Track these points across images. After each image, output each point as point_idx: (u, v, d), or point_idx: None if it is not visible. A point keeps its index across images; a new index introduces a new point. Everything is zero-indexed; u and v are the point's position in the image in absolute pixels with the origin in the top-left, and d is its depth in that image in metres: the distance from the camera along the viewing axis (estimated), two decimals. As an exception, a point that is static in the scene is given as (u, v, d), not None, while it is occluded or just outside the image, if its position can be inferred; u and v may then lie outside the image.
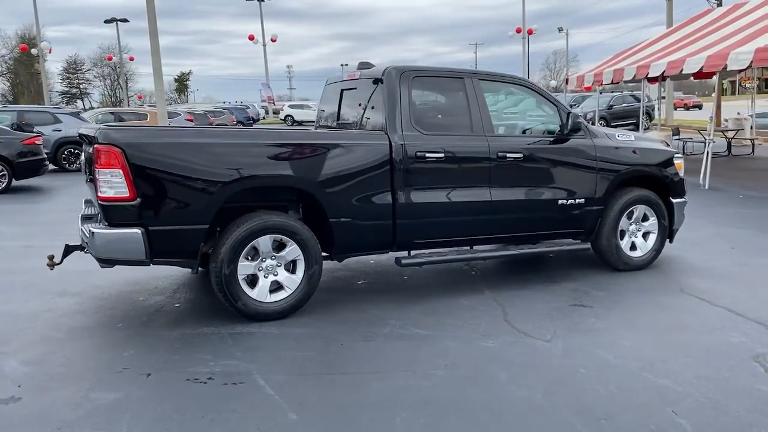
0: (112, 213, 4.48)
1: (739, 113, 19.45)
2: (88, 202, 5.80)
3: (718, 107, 18.35)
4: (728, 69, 11.33)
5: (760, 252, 6.90)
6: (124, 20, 52.42)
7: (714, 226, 8.18)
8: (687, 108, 51.05)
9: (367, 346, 4.41)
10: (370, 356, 4.24)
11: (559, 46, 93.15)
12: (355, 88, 5.84)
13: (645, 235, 6.31)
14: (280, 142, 4.93)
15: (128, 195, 4.42)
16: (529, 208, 5.73)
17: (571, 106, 33.48)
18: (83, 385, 3.80)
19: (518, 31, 42.48)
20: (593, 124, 24.58)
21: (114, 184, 4.42)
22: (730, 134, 16.79)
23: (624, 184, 6.16)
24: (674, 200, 6.39)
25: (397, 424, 3.34)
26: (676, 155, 6.50)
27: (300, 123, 40.66)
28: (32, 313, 5.16)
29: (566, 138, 5.83)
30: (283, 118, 45.35)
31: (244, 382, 3.83)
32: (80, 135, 5.32)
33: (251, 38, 46.61)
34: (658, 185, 6.33)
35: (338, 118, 6.12)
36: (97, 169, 4.44)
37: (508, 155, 5.54)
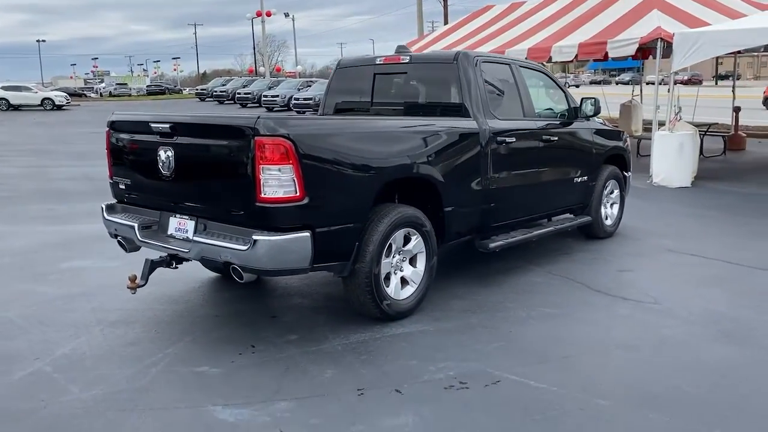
0: (278, 216, 3.84)
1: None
2: (116, 208, 4.78)
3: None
4: (553, 60, 13.06)
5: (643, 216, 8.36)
6: None
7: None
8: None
9: (524, 329, 4.47)
10: (545, 335, 4.34)
11: (269, 31, 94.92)
12: (405, 73, 5.66)
13: (612, 206, 7.23)
14: (417, 131, 4.68)
15: (298, 194, 3.83)
16: (558, 186, 6.21)
17: (269, 88, 35.40)
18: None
19: (258, 14, 42.28)
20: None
21: (284, 182, 3.79)
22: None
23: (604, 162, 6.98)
24: (627, 174, 7.42)
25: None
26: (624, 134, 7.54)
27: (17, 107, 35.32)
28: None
29: (572, 121, 6.42)
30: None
31: (500, 380, 3.68)
32: (140, 122, 4.35)
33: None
34: (619, 161, 7.28)
35: (372, 103, 5.86)
36: (262, 166, 3.76)
37: (551, 138, 5.94)
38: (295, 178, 3.80)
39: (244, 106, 36.99)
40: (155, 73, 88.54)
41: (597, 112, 6.31)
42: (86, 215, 8.46)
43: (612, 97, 18.63)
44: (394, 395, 3.50)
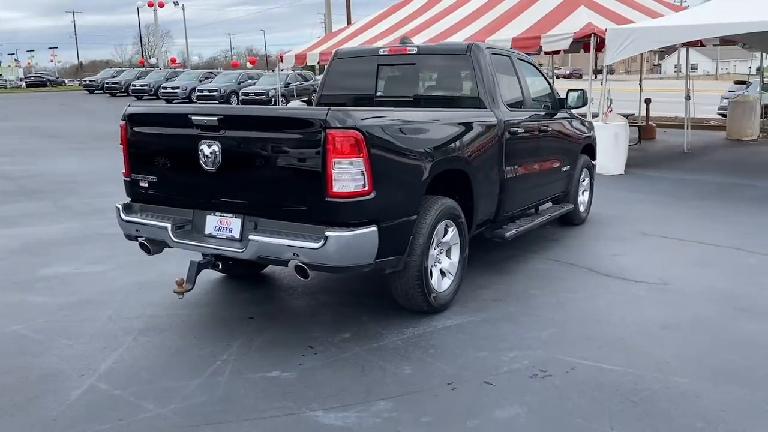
0: (349, 211, 3.72)
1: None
2: (133, 208, 4.46)
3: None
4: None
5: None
6: None
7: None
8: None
9: (564, 314, 4.59)
10: (586, 319, 4.48)
11: (150, 20, 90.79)
12: (413, 64, 5.62)
13: (584, 193, 7.55)
14: (459, 123, 4.68)
15: (367, 188, 3.72)
16: (552, 175, 6.41)
17: (167, 80, 34.15)
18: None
19: (150, 4, 40.41)
20: (276, 101, 25.87)
21: (355, 176, 3.67)
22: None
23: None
24: (594, 162, 7.77)
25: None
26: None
27: None
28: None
29: (556, 112, 6.63)
30: None
31: (575, 366, 3.76)
32: (185, 115, 4.06)
33: None
34: (590, 151, 7.60)
35: (376, 95, 5.78)
36: (333, 160, 3.62)
37: (546, 128, 6.12)
38: (365, 172, 3.70)
39: (140, 98, 35.20)
40: (29, 63, 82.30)
41: (584, 104, 6.56)
42: (31, 217, 7.82)
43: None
44: (487, 387, 3.49)
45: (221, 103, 30.14)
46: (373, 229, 3.78)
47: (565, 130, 6.67)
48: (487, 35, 13.25)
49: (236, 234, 4.06)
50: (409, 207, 4.13)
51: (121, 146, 4.48)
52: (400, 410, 3.26)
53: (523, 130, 5.62)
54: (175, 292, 4.06)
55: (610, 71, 20.66)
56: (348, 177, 3.65)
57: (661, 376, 3.61)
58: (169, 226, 4.16)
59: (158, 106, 4.78)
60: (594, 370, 3.70)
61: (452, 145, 4.53)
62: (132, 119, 4.41)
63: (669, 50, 54.67)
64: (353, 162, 3.65)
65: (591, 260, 5.93)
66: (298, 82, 28.53)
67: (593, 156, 7.65)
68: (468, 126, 4.78)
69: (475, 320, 4.47)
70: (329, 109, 3.65)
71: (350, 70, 5.96)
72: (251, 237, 3.86)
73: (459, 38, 13.62)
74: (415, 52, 5.59)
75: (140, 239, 4.36)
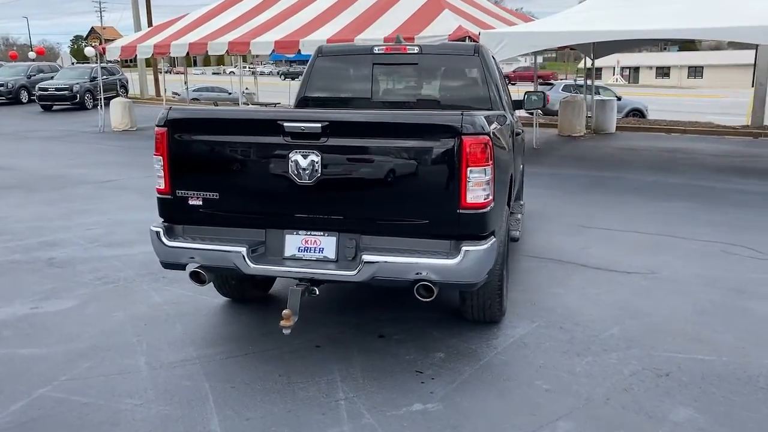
0: (480, 223, 3.48)
1: (247, 88, 21.48)
2: (176, 231, 3.78)
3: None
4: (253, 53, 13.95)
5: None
6: None
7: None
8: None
9: (602, 311, 4.77)
10: (625, 312, 4.71)
11: None
12: (416, 64, 5.39)
13: (517, 191, 7.88)
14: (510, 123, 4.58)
15: (491, 198, 3.51)
16: (520, 174, 6.58)
17: None
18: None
19: None
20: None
21: (485, 185, 3.45)
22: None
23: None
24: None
25: None
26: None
27: None
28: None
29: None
30: None
31: (679, 363, 3.91)
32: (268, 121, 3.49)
33: None
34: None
35: (372, 97, 5.45)
36: (469, 169, 3.35)
37: (521, 129, 6.27)
38: (491, 181, 3.49)
39: None
40: None
41: (544, 105, 6.81)
42: None
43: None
44: (627, 394, 3.49)
45: (9, 99, 26.29)
46: (494, 240, 3.58)
47: (522, 130, 6.89)
48: (354, 34, 13.18)
49: (330, 254, 3.60)
50: (503, 214, 3.98)
51: (159, 157, 3.72)
52: (585, 428, 3.14)
53: (518, 131, 5.70)
54: (282, 326, 3.47)
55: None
56: (479, 187, 3.41)
57: (756, 362, 3.89)
58: (243, 250, 3.55)
59: (217, 110, 4.05)
60: (699, 363, 3.86)
61: (516, 150, 4.46)
62: (176, 125, 3.68)
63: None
64: (485, 170, 3.42)
65: (570, 255, 6.18)
66: (105, 77, 25.84)
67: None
68: (510, 126, 4.73)
69: (534, 327, 4.41)
70: (462, 114, 3.38)
71: (339, 69, 5.56)
72: (366, 257, 3.43)
73: (322, 36, 13.41)
74: (416, 51, 5.37)
75: (193, 267, 3.66)
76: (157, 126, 3.70)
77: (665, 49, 68.51)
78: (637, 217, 7.72)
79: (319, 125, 3.43)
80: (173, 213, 3.78)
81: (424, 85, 5.45)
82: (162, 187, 3.76)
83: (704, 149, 14.18)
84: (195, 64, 73.62)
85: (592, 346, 4.09)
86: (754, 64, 19.43)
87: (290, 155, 3.48)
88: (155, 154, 3.74)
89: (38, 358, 3.84)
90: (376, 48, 5.45)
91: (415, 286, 3.45)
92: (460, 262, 3.37)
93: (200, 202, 3.70)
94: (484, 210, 3.46)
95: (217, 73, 65.16)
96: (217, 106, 19.67)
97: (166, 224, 3.77)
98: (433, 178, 3.42)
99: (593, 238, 6.90)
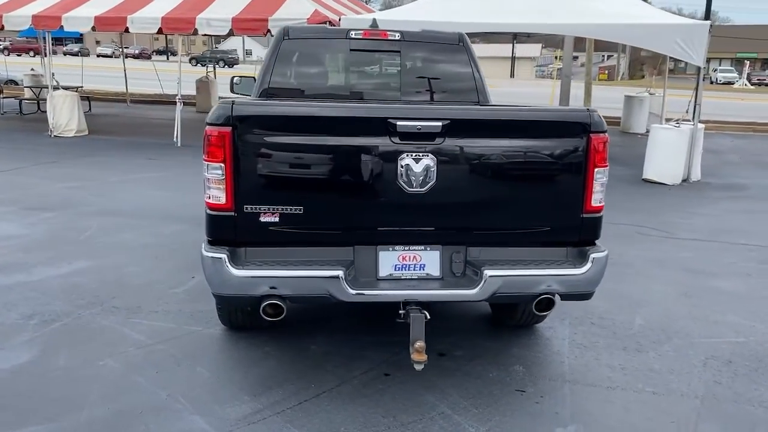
0: (598, 227, 3.30)
1: (33, 69, 18.43)
2: (240, 256, 3.06)
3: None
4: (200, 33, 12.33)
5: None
6: None
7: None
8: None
9: (652, 298, 4.86)
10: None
11: None
12: (397, 51, 4.93)
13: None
14: None
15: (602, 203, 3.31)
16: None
17: None
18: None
19: None
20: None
21: (603, 186, 3.24)
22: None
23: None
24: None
25: None
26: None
27: None
28: None
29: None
30: None
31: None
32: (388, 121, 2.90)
33: None
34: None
35: (350, 86, 4.90)
36: (596, 170, 3.13)
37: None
38: (605, 181, 3.28)
39: None
40: None
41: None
42: None
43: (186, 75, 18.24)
44: (723, 387, 3.54)
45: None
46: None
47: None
48: (194, 12, 12.02)
49: (433, 271, 3.14)
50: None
51: (218, 164, 2.91)
52: (734, 428, 3.10)
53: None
54: (415, 360, 2.90)
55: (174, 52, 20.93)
56: (600, 188, 3.20)
57: (778, 339, 4.20)
58: (341, 273, 2.93)
59: (303, 106, 3.22)
60: (735, 346, 4.06)
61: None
62: (246, 124, 2.90)
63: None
64: (605, 171, 3.20)
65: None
66: None
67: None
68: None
69: (571, 324, 4.34)
70: (588, 109, 3.11)
71: (309, 54, 4.89)
72: (489, 272, 3.02)
73: (152, 12, 12.10)
74: (398, 38, 4.92)
75: (270, 300, 2.95)
76: (214, 125, 2.90)
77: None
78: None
79: (439, 124, 2.93)
80: (236, 233, 3.00)
81: (410, 76, 5.01)
82: (220, 201, 2.96)
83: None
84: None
85: (641, 340, 4.11)
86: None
87: (400, 159, 2.94)
88: (208, 160, 2.93)
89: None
90: (353, 32, 4.90)
91: (535, 301, 3.14)
92: (588, 270, 3.12)
93: (276, 219, 2.99)
94: (601, 214, 3.25)
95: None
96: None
97: (230, 249, 2.98)
98: (558, 180, 3.14)
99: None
